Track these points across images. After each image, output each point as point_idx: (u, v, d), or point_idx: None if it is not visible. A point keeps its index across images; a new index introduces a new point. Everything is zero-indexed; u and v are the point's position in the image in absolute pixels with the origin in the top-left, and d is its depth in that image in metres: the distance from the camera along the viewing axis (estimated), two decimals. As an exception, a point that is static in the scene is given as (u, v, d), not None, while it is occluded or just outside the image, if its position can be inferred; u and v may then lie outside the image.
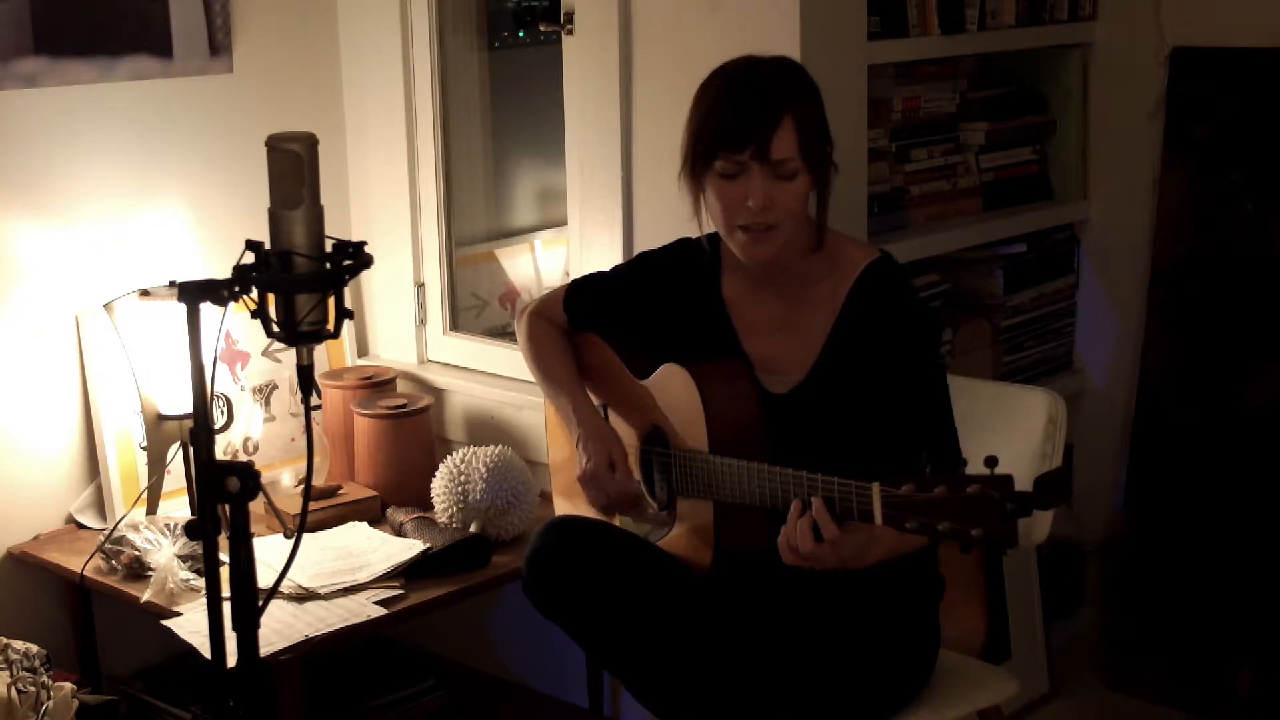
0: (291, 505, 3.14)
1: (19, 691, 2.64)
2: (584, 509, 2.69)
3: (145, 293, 3.07)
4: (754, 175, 2.33)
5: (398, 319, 3.61)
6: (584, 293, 2.71)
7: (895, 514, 2.02)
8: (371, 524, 3.15)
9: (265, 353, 3.41)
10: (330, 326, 2.01)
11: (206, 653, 2.08)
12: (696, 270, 2.56)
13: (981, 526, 1.95)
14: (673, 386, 2.48)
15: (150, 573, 2.87)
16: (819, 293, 2.44)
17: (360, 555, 2.97)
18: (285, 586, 2.76)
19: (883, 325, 2.39)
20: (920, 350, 2.41)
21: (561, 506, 2.80)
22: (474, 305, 3.71)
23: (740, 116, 2.33)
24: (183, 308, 1.97)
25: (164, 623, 2.76)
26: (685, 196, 2.45)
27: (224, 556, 2.00)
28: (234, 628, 2.01)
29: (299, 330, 1.99)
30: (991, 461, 1.99)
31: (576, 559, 2.44)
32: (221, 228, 3.35)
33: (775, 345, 2.47)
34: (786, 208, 2.35)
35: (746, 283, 2.50)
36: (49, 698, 2.68)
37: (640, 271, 2.63)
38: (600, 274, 2.77)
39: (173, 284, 1.98)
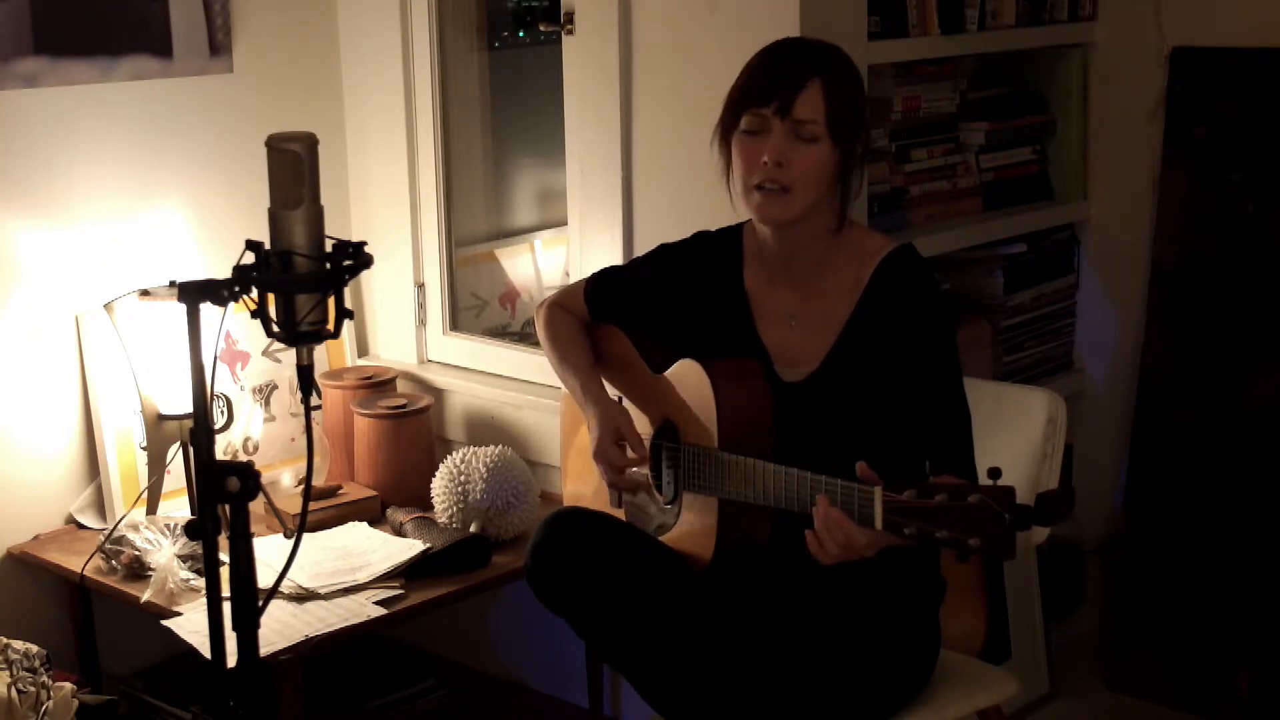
0: (291, 505, 3.14)
1: (19, 691, 2.64)
2: (591, 484, 2.69)
3: (145, 293, 3.07)
4: (775, 132, 2.37)
5: (398, 319, 3.61)
6: (604, 284, 2.71)
7: (895, 519, 2.02)
8: (371, 524, 3.15)
9: (265, 353, 3.41)
10: (330, 326, 2.01)
11: (206, 653, 2.09)
12: (716, 262, 2.56)
13: (980, 536, 1.95)
14: (687, 381, 2.48)
15: (150, 573, 2.87)
16: (840, 281, 2.44)
17: (360, 555, 2.97)
18: (285, 586, 2.76)
19: (903, 312, 2.39)
20: (939, 341, 2.41)
21: (570, 482, 2.81)
22: (474, 305, 3.71)
23: (769, 73, 2.40)
24: (183, 308, 1.97)
25: (164, 623, 2.76)
26: (717, 162, 2.48)
27: (224, 556, 2.00)
28: (234, 628, 2.01)
29: (299, 330, 2.00)
30: (995, 473, 1.99)
31: (580, 550, 2.44)
32: (221, 228, 3.35)
33: (793, 334, 2.47)
34: (803, 170, 2.37)
35: (766, 272, 2.51)
36: (49, 698, 2.68)
37: (660, 263, 2.63)
38: (620, 266, 2.78)
39: (173, 284, 1.99)
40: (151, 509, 3.06)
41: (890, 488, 2.04)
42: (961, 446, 2.36)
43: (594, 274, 2.75)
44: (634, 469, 2.55)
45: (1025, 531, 1.99)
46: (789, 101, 2.36)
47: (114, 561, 2.95)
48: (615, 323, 2.68)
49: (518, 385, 3.39)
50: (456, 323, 3.59)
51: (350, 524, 3.14)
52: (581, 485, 2.74)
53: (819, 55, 2.42)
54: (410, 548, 2.96)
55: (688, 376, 2.48)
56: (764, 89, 2.39)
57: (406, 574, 2.90)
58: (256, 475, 1.97)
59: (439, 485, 3.10)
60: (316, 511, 3.13)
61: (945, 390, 2.38)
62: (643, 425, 2.60)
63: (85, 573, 2.97)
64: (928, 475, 2.06)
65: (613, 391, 2.67)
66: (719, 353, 2.48)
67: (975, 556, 1.97)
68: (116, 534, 2.98)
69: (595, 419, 2.55)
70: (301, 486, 3.20)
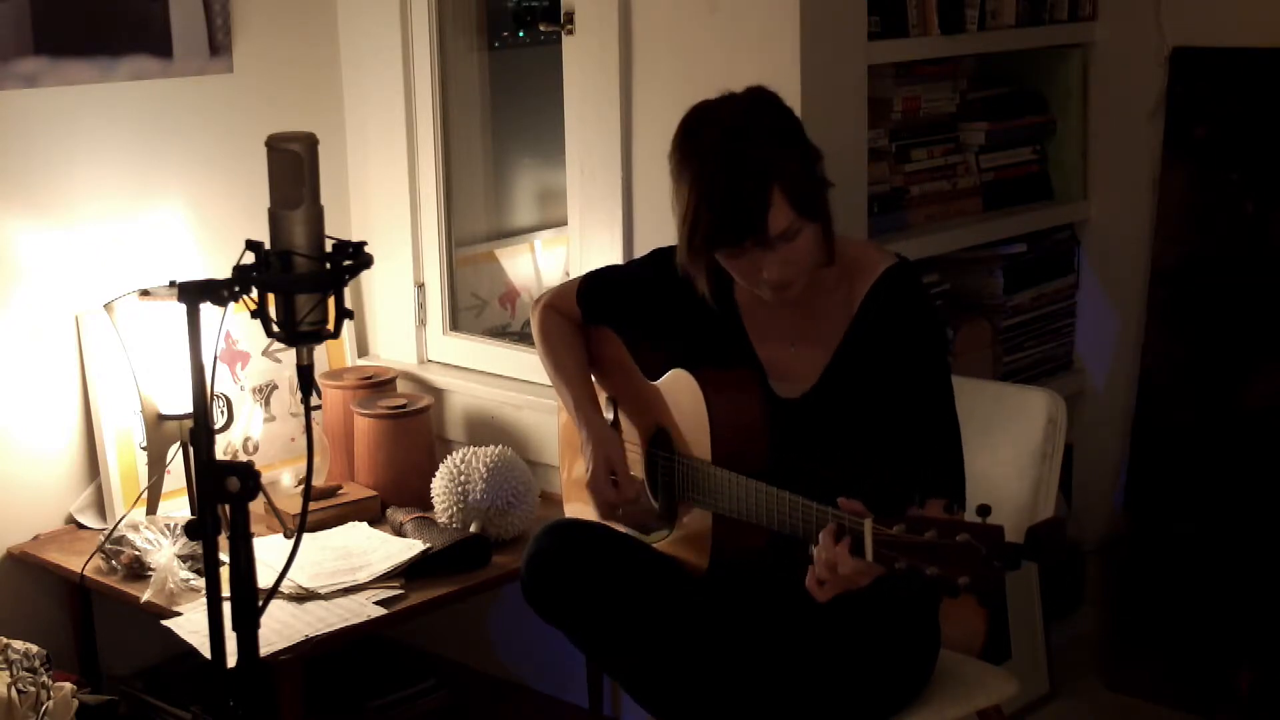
0: (291, 505, 3.14)
1: (19, 691, 2.64)
2: (591, 510, 2.69)
3: (145, 293, 3.07)
4: (763, 255, 2.29)
5: (398, 319, 3.61)
6: (598, 286, 2.70)
7: (885, 552, 2.00)
8: (371, 524, 3.15)
9: (265, 353, 3.41)
10: (330, 326, 2.01)
11: (206, 653, 2.09)
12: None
13: (968, 575, 1.93)
14: (681, 391, 2.47)
15: (150, 573, 2.87)
16: (834, 299, 2.42)
17: (360, 555, 2.97)
18: (285, 586, 2.76)
19: (898, 331, 2.37)
20: (932, 360, 2.39)
21: (572, 504, 2.81)
22: (474, 305, 3.71)
23: (728, 214, 2.25)
24: (183, 308, 1.97)
25: (164, 623, 2.76)
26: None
27: (224, 556, 2.00)
28: (234, 628, 2.01)
29: (299, 330, 2.00)
30: (984, 510, 1.94)
31: (575, 562, 2.44)
32: (221, 228, 3.35)
33: (788, 351, 2.45)
34: (799, 261, 2.32)
35: None
36: (49, 698, 2.68)
37: (655, 268, 2.60)
38: (615, 268, 2.76)
39: (173, 284, 1.99)
40: (151, 509, 3.06)
41: (879, 520, 2.03)
42: (952, 466, 2.35)
43: (587, 274, 2.74)
44: (621, 499, 2.55)
45: (1016, 571, 1.97)
46: (762, 232, 2.25)
47: (114, 561, 2.95)
48: (608, 325, 2.67)
49: (518, 385, 3.39)
50: (456, 323, 3.59)
51: (350, 524, 3.14)
52: (583, 478, 2.73)
53: (760, 151, 2.26)
54: (410, 548, 2.96)
55: (681, 386, 2.47)
56: (730, 232, 2.26)
57: (406, 574, 2.90)
58: (256, 475, 1.97)
59: (439, 485, 3.10)
60: (316, 511, 3.13)
61: (937, 410, 2.37)
62: (637, 430, 2.60)
63: (85, 573, 2.97)
64: (914, 502, 2.03)
65: (606, 394, 2.66)
66: (713, 363, 2.47)
67: (965, 595, 1.95)
68: (116, 534, 2.98)
69: (589, 445, 2.55)
70: (301, 486, 3.20)
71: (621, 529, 2.61)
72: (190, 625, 2.72)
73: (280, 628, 2.69)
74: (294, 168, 1.98)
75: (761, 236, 2.26)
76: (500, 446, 3.14)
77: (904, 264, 2.43)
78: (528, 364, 3.35)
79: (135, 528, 2.97)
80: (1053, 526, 1.98)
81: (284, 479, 3.28)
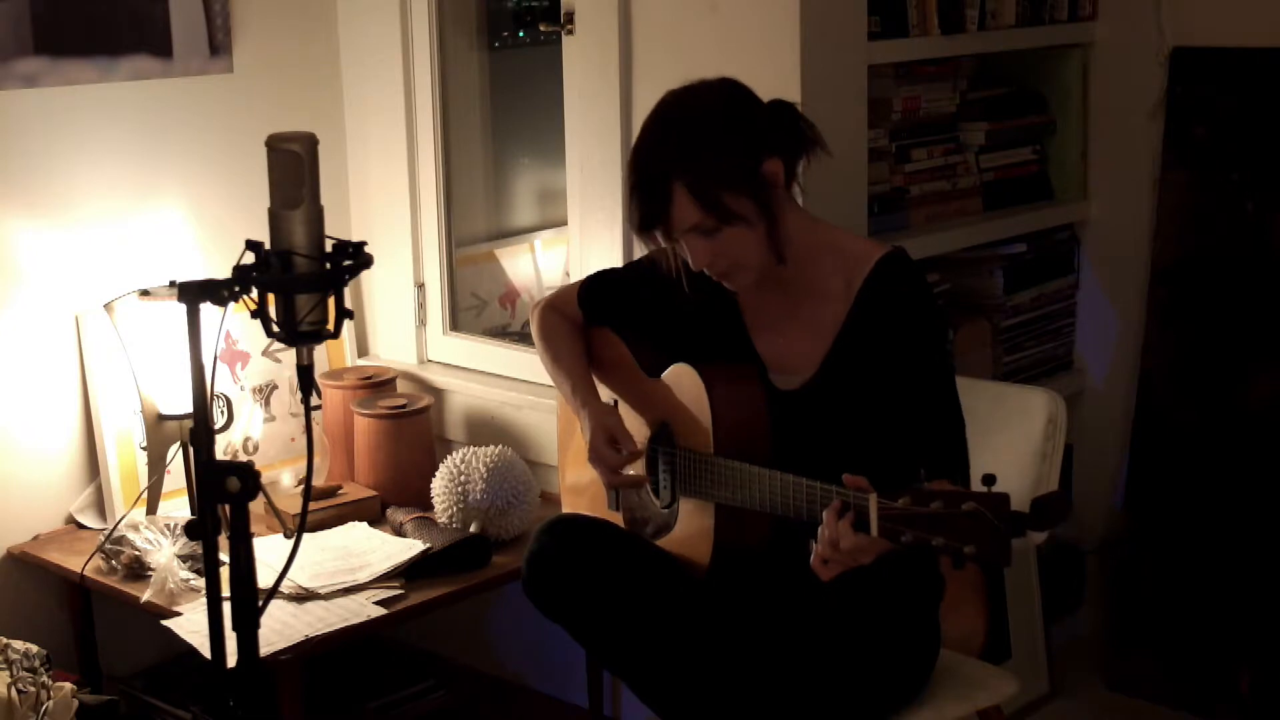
0: (291, 505, 3.14)
1: (19, 691, 2.64)
2: (590, 508, 2.69)
3: (145, 293, 3.07)
4: (681, 245, 2.36)
5: (398, 319, 3.62)
6: (598, 288, 2.71)
7: (891, 526, 2.02)
8: (371, 524, 3.15)
9: (265, 353, 3.41)
10: (330, 326, 2.01)
11: (206, 653, 2.09)
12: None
13: (975, 544, 1.94)
14: (682, 385, 2.48)
15: (150, 573, 2.87)
16: (830, 288, 2.42)
17: (360, 555, 2.97)
18: (285, 586, 2.76)
19: (896, 318, 2.37)
20: (933, 347, 2.40)
21: (569, 503, 2.81)
22: (474, 305, 3.71)
23: (635, 201, 2.36)
24: (183, 308, 1.97)
25: (164, 623, 2.76)
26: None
27: (224, 556, 2.00)
28: (234, 628, 2.01)
29: (299, 330, 2.00)
30: (989, 479, 1.97)
31: (576, 559, 2.44)
32: (221, 228, 3.35)
33: (786, 343, 2.46)
34: (729, 254, 2.35)
35: (755, 283, 2.50)
36: (49, 698, 2.68)
37: (654, 268, 2.62)
38: (614, 270, 2.77)
39: (173, 284, 1.99)
40: (151, 509, 3.06)
41: (884, 495, 2.04)
42: (956, 451, 2.35)
43: (588, 276, 2.75)
44: (630, 469, 2.56)
45: (1021, 538, 1.98)
46: (666, 224, 2.32)
47: (114, 561, 2.95)
48: (609, 325, 2.68)
49: (518, 385, 3.39)
50: (456, 323, 3.59)
51: (350, 524, 3.14)
52: (579, 483, 2.74)
53: (666, 149, 2.32)
54: (410, 548, 2.96)
55: (683, 380, 2.48)
56: (639, 219, 2.36)
57: (406, 574, 2.90)
58: (256, 475, 1.97)
59: (439, 485, 3.10)
60: (316, 511, 3.13)
61: (940, 396, 2.37)
62: (639, 428, 2.60)
63: (85, 573, 2.97)
64: (921, 481, 2.05)
65: (608, 394, 2.67)
66: (712, 357, 2.48)
67: (971, 564, 1.97)
68: (116, 534, 2.98)
69: (587, 422, 2.56)
70: (301, 486, 3.20)
71: (622, 525, 2.61)
72: (190, 625, 2.72)
73: (280, 628, 2.69)
74: (294, 168, 1.98)
75: (667, 226, 2.34)
76: (500, 446, 3.14)
77: (899, 253, 2.44)
78: (528, 364, 3.35)
79: (135, 528, 2.97)
80: (1056, 498, 2.01)
81: (284, 479, 3.28)
